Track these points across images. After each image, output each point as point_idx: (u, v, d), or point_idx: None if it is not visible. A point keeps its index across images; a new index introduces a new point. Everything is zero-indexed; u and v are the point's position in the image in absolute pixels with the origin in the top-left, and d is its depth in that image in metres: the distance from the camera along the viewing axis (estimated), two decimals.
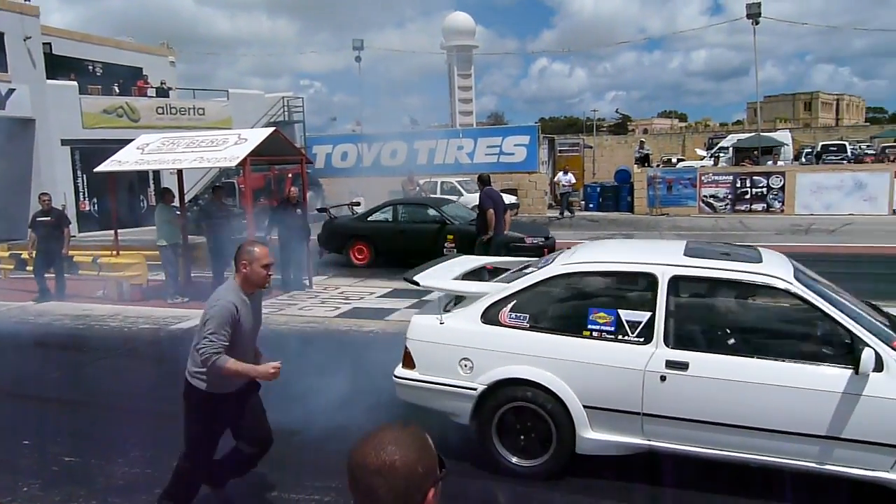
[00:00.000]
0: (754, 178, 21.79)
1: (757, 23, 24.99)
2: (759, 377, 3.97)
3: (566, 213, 22.56)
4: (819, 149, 36.65)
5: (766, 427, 3.98)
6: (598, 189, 25.11)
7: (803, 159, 33.79)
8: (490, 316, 4.59)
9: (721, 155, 35.64)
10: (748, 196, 21.54)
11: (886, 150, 35.78)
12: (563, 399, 4.29)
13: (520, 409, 4.45)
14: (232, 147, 10.50)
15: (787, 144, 37.23)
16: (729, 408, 4.02)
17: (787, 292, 4.18)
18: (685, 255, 4.58)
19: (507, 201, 12.17)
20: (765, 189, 21.40)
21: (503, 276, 5.30)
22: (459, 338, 4.60)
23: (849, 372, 3.84)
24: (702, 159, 39.07)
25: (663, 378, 4.10)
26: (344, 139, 28.39)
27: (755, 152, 27.03)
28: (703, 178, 22.44)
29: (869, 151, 36.74)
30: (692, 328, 4.45)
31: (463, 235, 12.36)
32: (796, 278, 4.24)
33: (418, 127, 30.14)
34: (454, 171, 24.15)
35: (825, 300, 4.12)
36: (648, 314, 4.25)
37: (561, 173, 23.47)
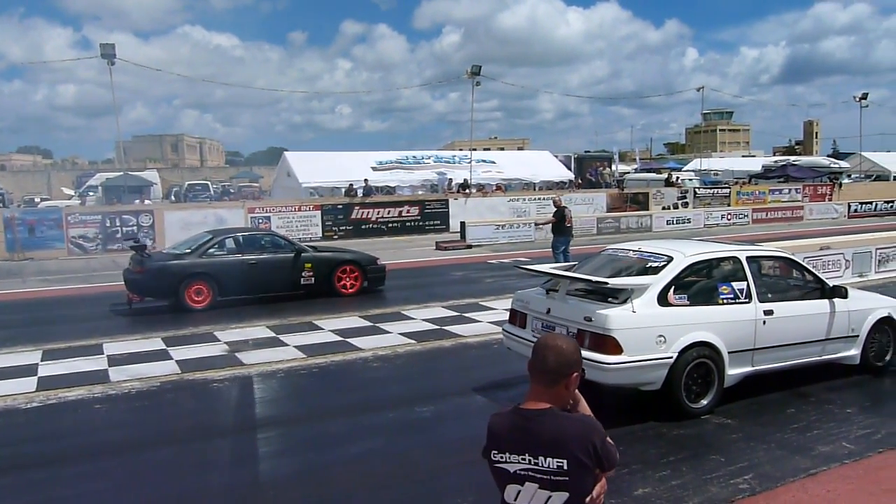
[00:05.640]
0: (124, 216, 21.86)
1: (113, 63, 25.12)
2: (803, 311, 6.72)
3: None
4: (185, 188, 39.22)
5: (808, 340, 6.72)
6: None
7: (172, 197, 35.65)
8: (663, 300, 6.06)
9: (91, 194, 34.64)
10: (119, 235, 21.43)
11: (242, 189, 40.90)
12: (720, 350, 6.12)
13: (697, 365, 6.05)
14: None
15: (155, 184, 38.73)
16: (794, 333, 6.61)
17: (789, 259, 7.38)
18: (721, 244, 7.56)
19: None
20: (135, 227, 21.68)
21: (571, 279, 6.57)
22: (653, 320, 5.93)
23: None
24: (70, 198, 37.16)
25: (764, 322, 6.39)
26: None
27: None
28: (69, 218, 21.29)
29: (230, 190, 41.29)
30: (767, 288, 6.79)
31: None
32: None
33: None
34: None
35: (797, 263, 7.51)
36: (745, 283, 6.43)
37: None
